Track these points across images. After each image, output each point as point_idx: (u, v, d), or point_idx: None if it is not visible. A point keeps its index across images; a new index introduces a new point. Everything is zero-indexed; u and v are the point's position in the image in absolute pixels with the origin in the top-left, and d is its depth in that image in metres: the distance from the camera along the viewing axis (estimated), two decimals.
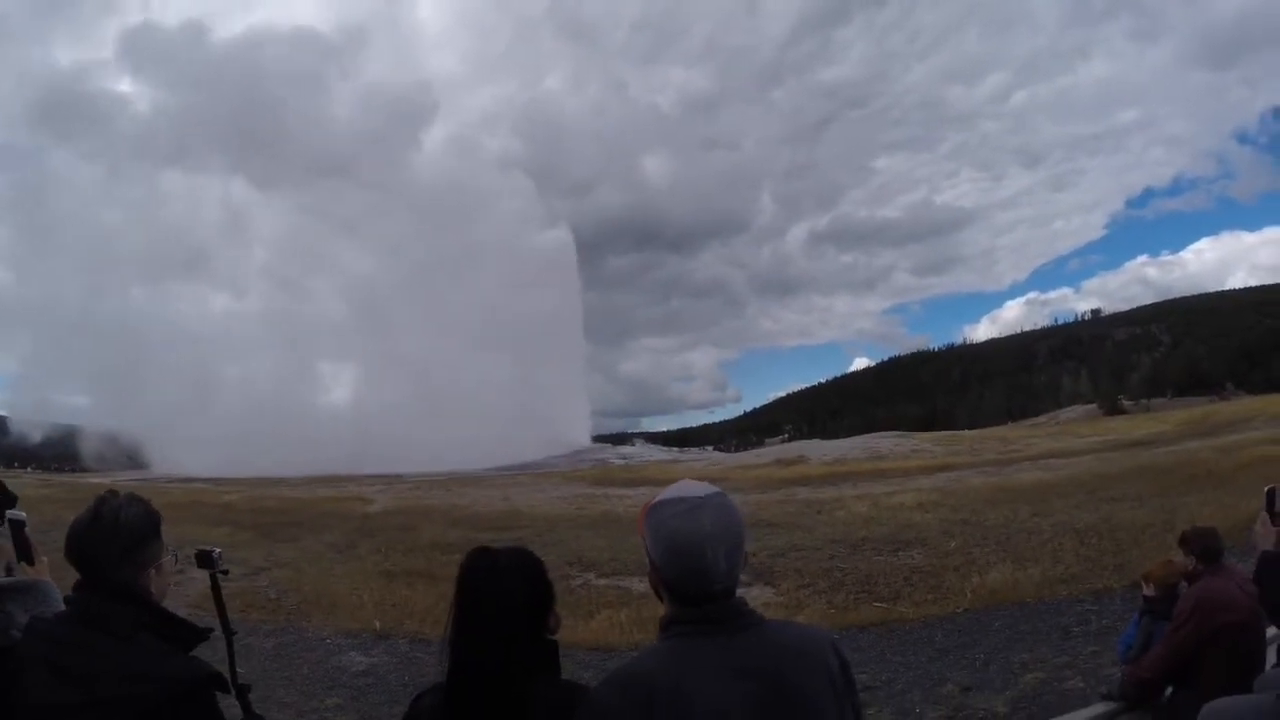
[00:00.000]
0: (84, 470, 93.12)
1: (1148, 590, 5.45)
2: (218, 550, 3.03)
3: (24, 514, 2.82)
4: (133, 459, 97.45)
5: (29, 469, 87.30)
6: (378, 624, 10.34)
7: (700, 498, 1.92)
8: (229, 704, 2.47)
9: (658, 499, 1.97)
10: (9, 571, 2.76)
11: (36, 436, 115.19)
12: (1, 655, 2.35)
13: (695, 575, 1.86)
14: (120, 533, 2.38)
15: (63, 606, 2.50)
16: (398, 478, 48.37)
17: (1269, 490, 3.54)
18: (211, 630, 2.67)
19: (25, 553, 2.77)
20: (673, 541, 1.88)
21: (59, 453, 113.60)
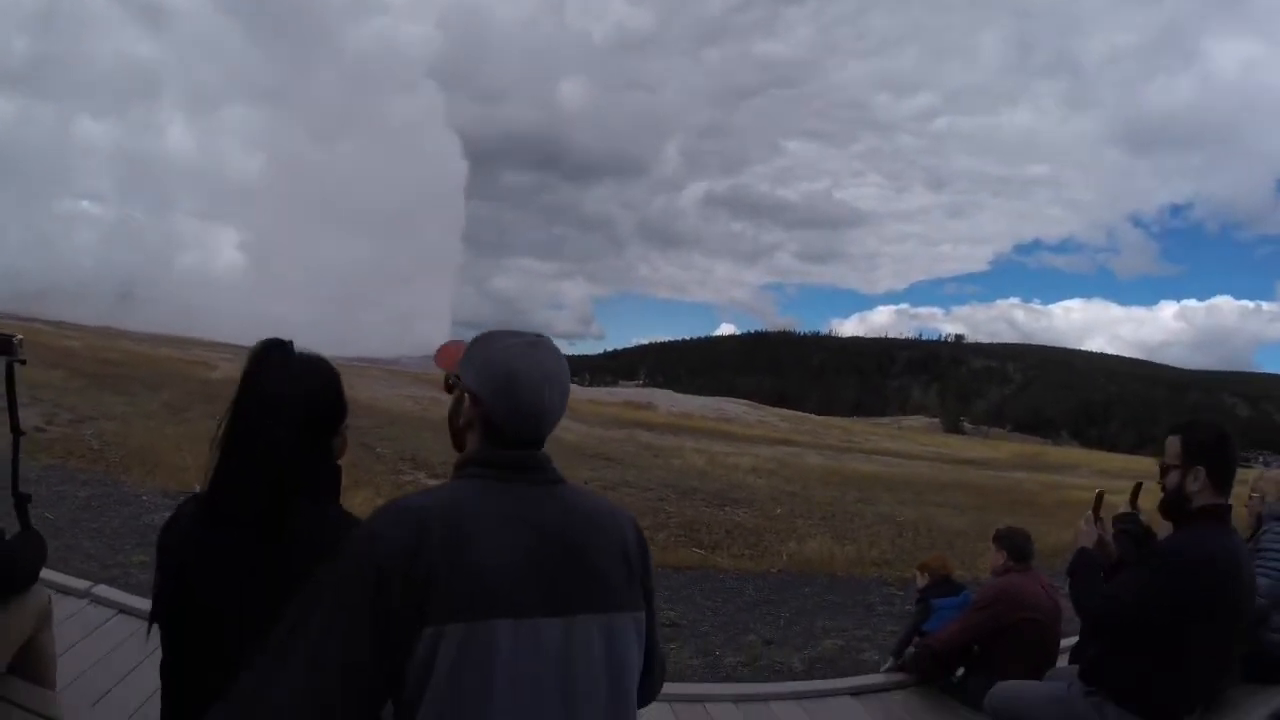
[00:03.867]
0: None
1: (921, 580, 5.57)
2: (19, 337, 2.72)
3: None
4: None
5: None
6: (198, 487, 9.94)
7: (536, 336, 1.74)
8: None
9: (486, 332, 1.78)
10: None
11: None
12: None
13: (529, 417, 1.69)
14: None
15: None
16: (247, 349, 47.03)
17: (1099, 493, 3.61)
18: None
19: None
20: (512, 379, 1.67)
21: None
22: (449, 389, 1.81)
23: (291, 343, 1.97)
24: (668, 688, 4.97)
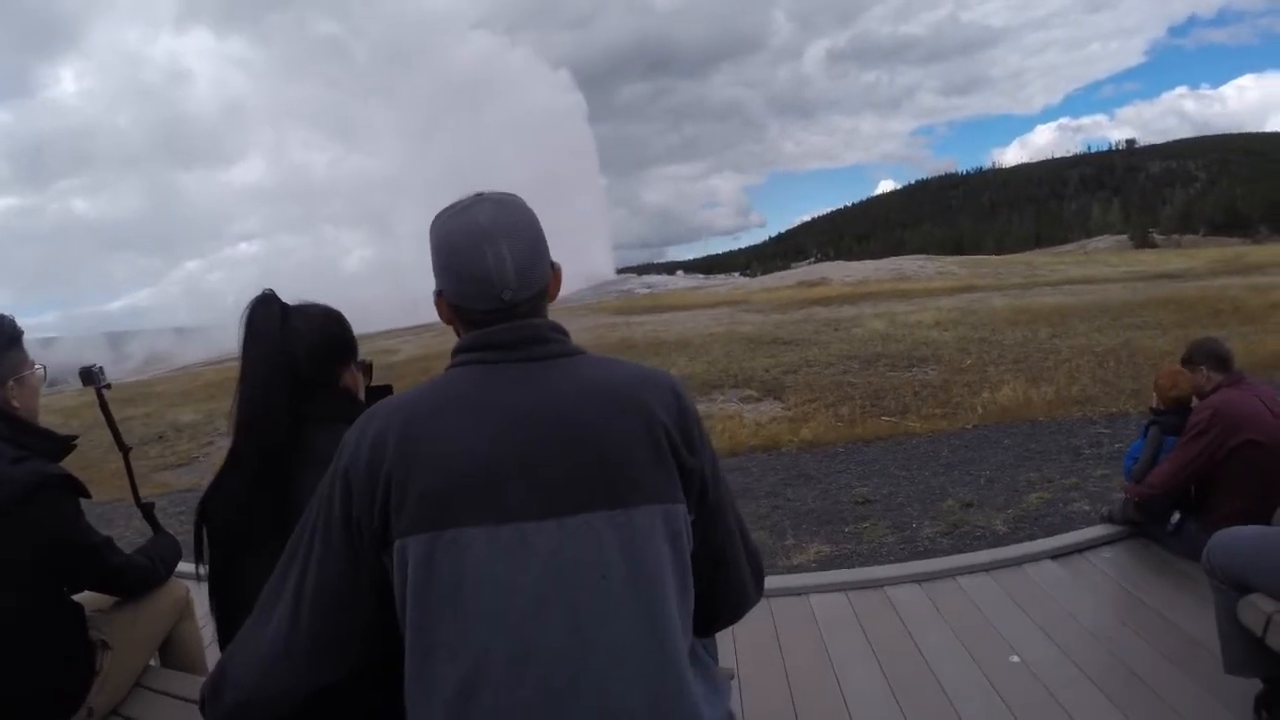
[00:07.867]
0: None
1: (1157, 402, 5.06)
2: (99, 365, 2.86)
3: None
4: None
5: None
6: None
7: (476, 196, 1.53)
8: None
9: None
10: None
11: None
12: None
13: (474, 283, 1.46)
14: None
15: None
16: (425, 327, 47.87)
17: None
18: (76, 437, 2.54)
19: None
20: (447, 246, 1.48)
21: None
22: None
23: (273, 294, 1.93)
24: (841, 575, 4.86)
